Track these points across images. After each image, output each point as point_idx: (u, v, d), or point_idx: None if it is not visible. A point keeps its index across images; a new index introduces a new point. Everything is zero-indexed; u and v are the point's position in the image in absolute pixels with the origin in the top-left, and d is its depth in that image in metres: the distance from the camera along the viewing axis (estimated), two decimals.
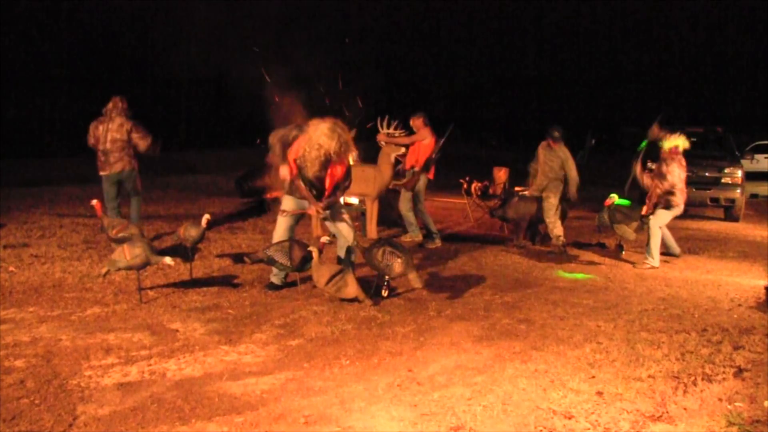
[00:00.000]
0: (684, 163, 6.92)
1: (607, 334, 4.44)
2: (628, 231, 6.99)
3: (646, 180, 7.01)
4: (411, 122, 7.57)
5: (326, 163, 5.02)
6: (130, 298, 4.97)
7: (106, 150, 6.85)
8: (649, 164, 7.35)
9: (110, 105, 6.90)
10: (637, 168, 7.22)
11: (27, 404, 3.14)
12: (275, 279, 5.40)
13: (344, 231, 5.38)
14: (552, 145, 7.31)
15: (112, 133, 6.84)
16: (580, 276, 6.26)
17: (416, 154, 7.52)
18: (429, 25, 36.64)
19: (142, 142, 6.95)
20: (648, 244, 6.78)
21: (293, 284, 5.36)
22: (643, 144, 7.43)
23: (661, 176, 6.79)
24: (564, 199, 7.52)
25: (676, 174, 6.76)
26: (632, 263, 6.92)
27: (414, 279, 5.00)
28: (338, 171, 5.12)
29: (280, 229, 5.33)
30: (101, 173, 6.98)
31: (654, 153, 7.44)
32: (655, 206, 6.87)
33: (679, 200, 6.82)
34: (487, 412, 3.18)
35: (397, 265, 4.95)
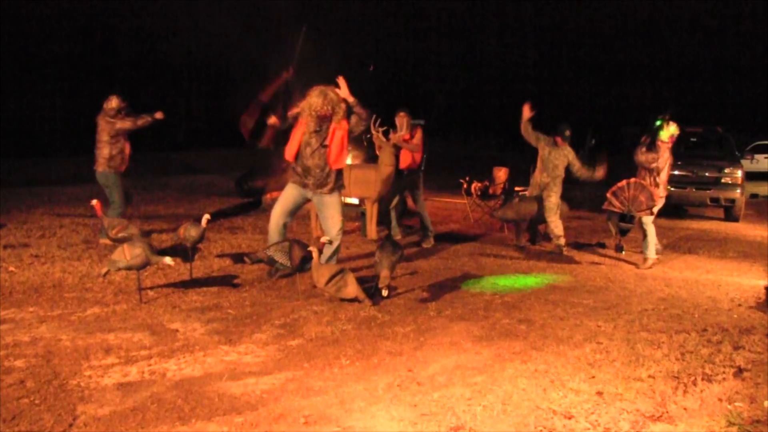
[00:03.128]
0: (672, 159, 7.02)
1: (607, 334, 4.44)
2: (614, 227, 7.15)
3: (640, 157, 6.91)
4: (397, 119, 7.53)
5: (320, 122, 5.32)
6: (130, 298, 4.97)
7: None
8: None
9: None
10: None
11: (27, 404, 3.14)
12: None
13: (331, 225, 5.51)
14: (560, 143, 7.27)
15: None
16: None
17: (411, 154, 7.51)
18: (429, 24, 36.62)
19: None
20: (645, 240, 6.81)
21: (288, 276, 5.36)
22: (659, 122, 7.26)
23: (653, 163, 6.86)
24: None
25: (668, 164, 6.89)
26: (633, 264, 6.92)
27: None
28: (340, 135, 5.39)
29: (273, 226, 5.55)
30: (123, 169, 6.97)
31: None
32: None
33: (662, 193, 6.92)
34: (487, 412, 3.18)
35: (380, 266, 5.04)
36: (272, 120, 5.80)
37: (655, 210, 6.86)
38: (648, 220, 6.79)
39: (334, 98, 5.30)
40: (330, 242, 5.38)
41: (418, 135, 7.48)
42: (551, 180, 7.29)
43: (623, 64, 36.37)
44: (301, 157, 5.47)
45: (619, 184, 6.91)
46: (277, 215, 5.56)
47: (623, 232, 7.15)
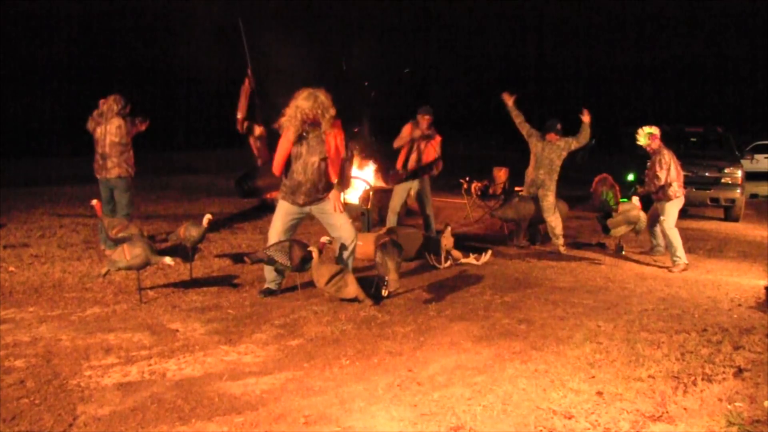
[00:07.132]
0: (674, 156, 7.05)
1: (607, 334, 4.44)
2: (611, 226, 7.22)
3: (658, 180, 6.83)
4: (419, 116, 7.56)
5: (306, 127, 4.89)
6: (130, 298, 4.97)
7: (104, 153, 6.55)
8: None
9: (105, 106, 6.59)
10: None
11: (27, 404, 3.14)
12: (272, 285, 5.21)
13: (343, 231, 5.18)
14: (554, 140, 7.25)
15: (110, 136, 6.52)
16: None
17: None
18: (429, 24, 36.63)
19: (143, 126, 6.78)
20: (671, 246, 6.76)
21: (293, 287, 5.36)
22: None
23: (657, 170, 6.83)
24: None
25: (673, 162, 6.81)
26: (633, 263, 6.93)
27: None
28: (334, 144, 4.95)
29: (275, 231, 5.12)
30: (97, 176, 6.68)
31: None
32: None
33: (678, 192, 6.88)
34: (487, 412, 3.18)
35: (382, 267, 5.01)
36: (258, 131, 5.36)
37: (672, 211, 6.82)
38: (667, 225, 6.74)
39: (324, 101, 4.84)
40: (330, 242, 5.31)
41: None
42: (547, 176, 7.28)
43: (622, 63, 36.39)
44: (291, 172, 5.00)
45: (597, 179, 7.02)
46: (275, 235, 5.08)
47: (606, 230, 7.16)
